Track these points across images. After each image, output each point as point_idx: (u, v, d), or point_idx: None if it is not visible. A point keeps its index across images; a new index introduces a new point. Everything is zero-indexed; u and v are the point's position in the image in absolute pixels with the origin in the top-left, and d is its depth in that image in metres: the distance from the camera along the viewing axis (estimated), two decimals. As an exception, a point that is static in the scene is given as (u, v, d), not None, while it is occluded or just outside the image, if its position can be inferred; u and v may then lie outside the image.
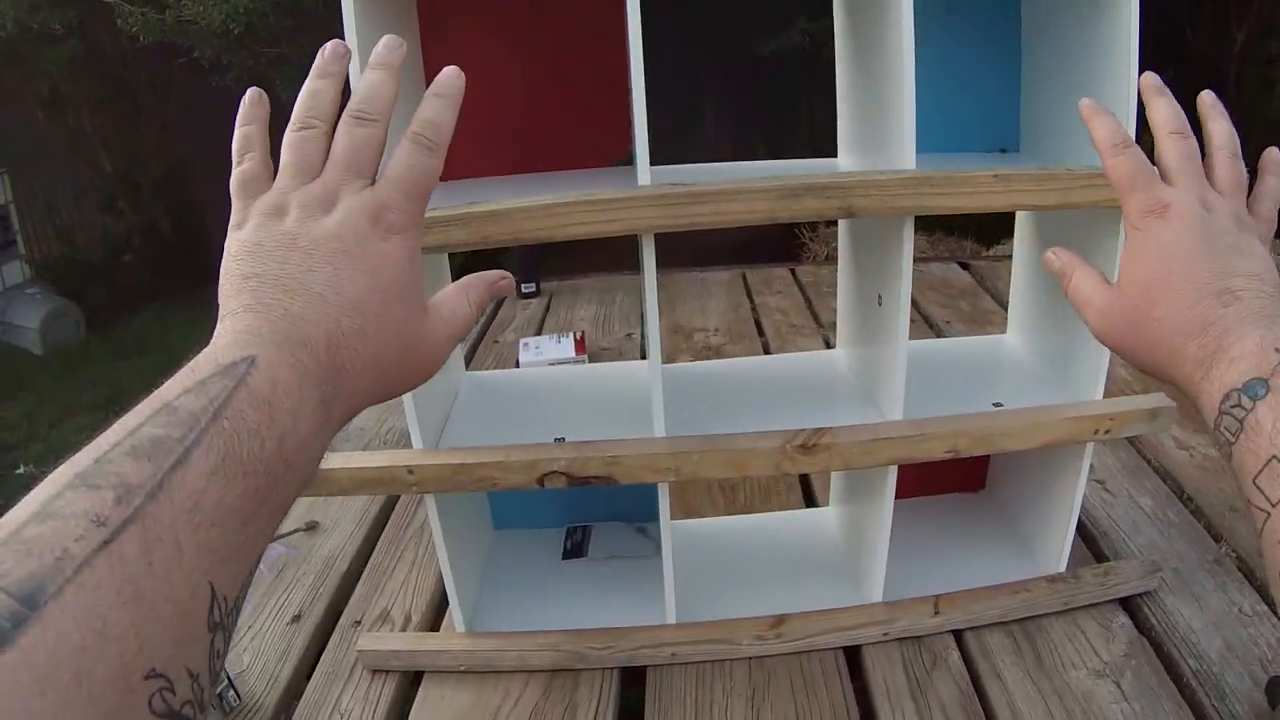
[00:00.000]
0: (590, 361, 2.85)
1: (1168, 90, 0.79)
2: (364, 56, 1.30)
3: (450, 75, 0.71)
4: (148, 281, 7.47)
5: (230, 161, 0.68)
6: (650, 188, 1.43)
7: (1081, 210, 1.57)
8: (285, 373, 0.54)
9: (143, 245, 7.73)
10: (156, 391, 0.52)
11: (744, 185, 1.42)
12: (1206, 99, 0.82)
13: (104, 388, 5.65)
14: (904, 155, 1.49)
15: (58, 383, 5.94)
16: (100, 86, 7.26)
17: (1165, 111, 0.79)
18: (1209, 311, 0.68)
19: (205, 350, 0.55)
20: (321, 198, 0.62)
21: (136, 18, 4.94)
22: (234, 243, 0.62)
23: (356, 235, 0.61)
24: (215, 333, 0.57)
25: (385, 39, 0.70)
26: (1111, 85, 1.58)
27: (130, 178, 7.52)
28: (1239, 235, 0.73)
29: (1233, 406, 0.62)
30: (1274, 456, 0.59)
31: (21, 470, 4.71)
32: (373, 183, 0.64)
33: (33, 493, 0.43)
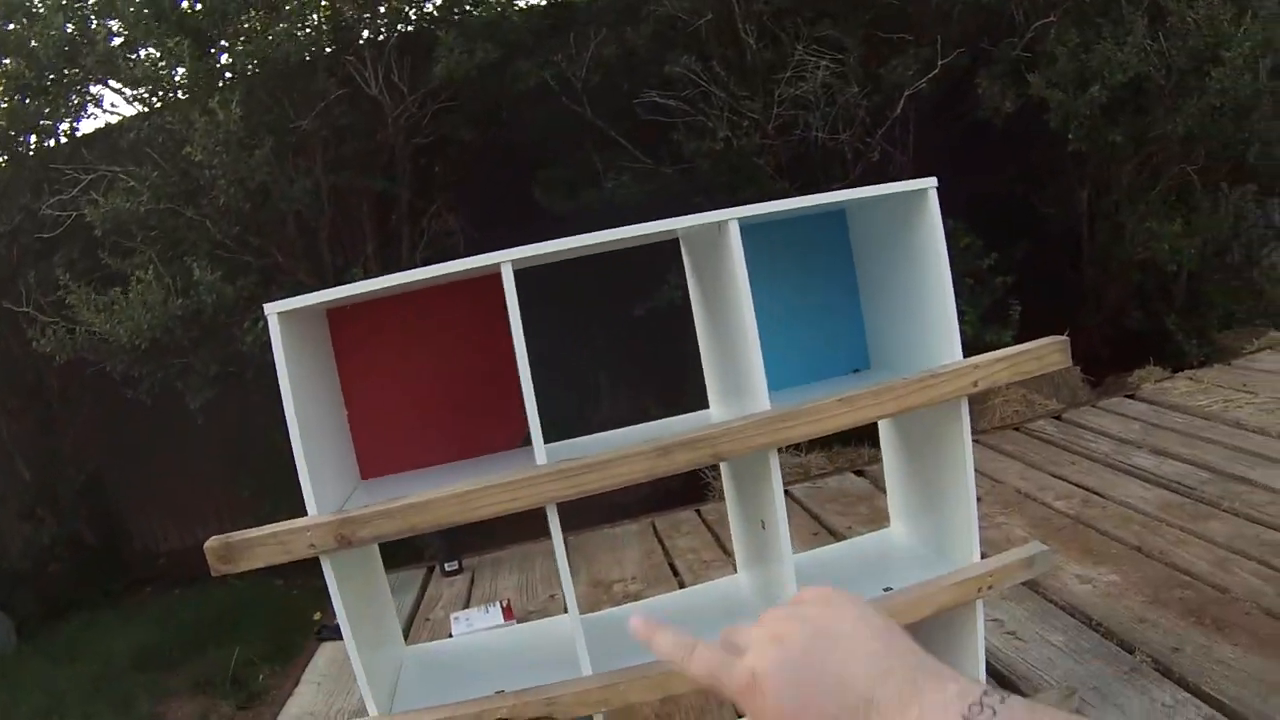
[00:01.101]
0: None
1: (657, 626, 0.77)
2: (290, 376, 1.53)
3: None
4: (75, 589, 7.42)
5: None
6: (546, 466, 1.66)
7: (925, 408, 1.82)
8: None
9: (67, 553, 7.70)
10: None
11: (623, 452, 1.65)
12: (638, 628, 0.78)
13: (40, 695, 5.56)
14: (758, 399, 1.74)
15: (-9, 692, 5.83)
16: (14, 395, 7.35)
17: (668, 640, 0.76)
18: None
19: None
20: None
21: (50, 337, 5.10)
22: None
23: None
24: None
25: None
26: (933, 295, 1.88)
27: (49, 487, 7.54)
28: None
29: None
30: None
31: (-39, 791, 4.61)
32: None
33: None
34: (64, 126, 6.42)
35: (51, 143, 6.50)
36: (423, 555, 4.52)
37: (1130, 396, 4.76)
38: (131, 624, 6.52)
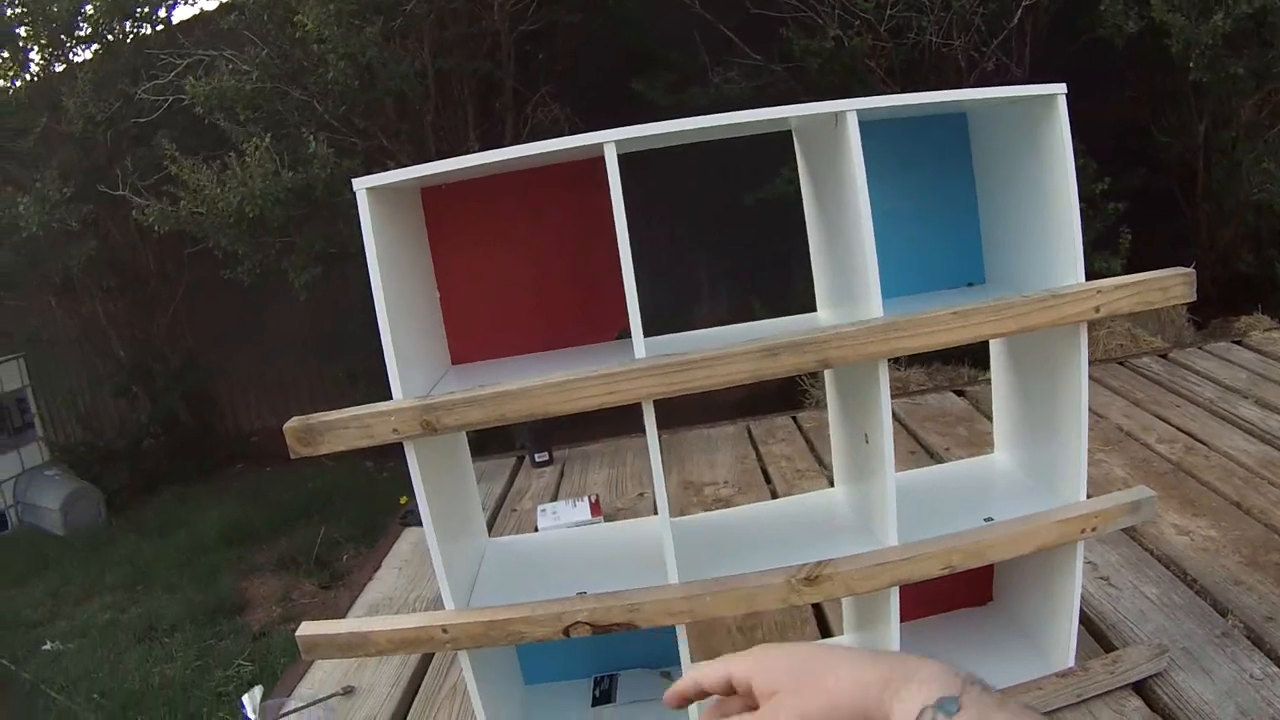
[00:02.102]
0: (606, 522, 2.95)
1: (695, 670, 0.84)
2: (379, 255, 1.48)
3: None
4: (166, 466, 7.60)
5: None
6: (646, 360, 1.59)
7: (1042, 330, 1.72)
8: None
9: (161, 431, 7.87)
10: None
11: (728, 351, 1.57)
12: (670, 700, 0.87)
13: (127, 567, 5.72)
14: (870, 305, 1.65)
15: (80, 563, 6.04)
16: (112, 276, 7.49)
17: (708, 672, 0.83)
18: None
19: None
20: None
21: (152, 210, 5.14)
22: None
23: None
24: None
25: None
26: (1056, 211, 1.76)
27: (145, 366, 7.70)
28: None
29: None
30: None
31: (48, 646, 4.78)
32: None
33: None
34: (160, 13, 6.45)
35: (147, 29, 6.53)
36: (513, 444, 4.50)
37: (1238, 343, 4.55)
38: (221, 501, 6.72)
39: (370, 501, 5.89)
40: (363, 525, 5.65)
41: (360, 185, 1.55)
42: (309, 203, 4.97)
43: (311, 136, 4.84)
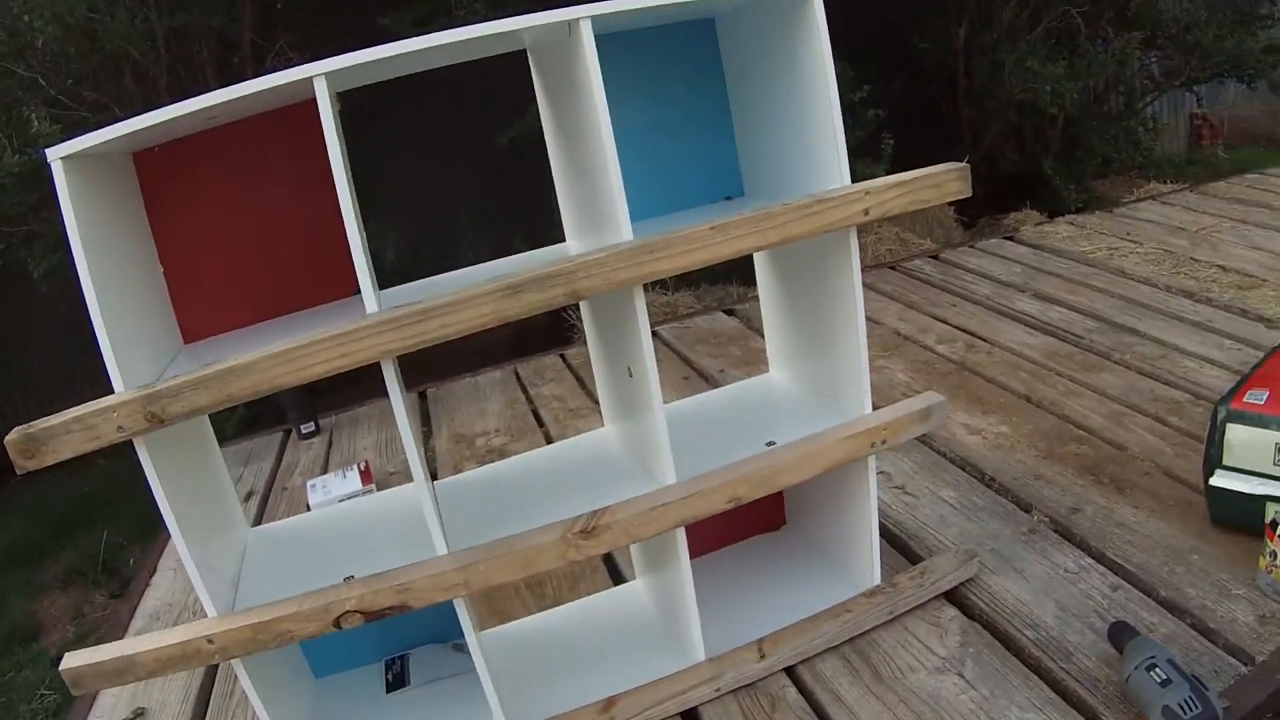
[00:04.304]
0: (379, 489, 2.78)
1: None
2: (81, 234, 1.29)
3: None
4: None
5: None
6: (377, 315, 1.43)
7: (809, 239, 1.63)
8: None
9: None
10: None
11: (466, 294, 1.43)
12: None
13: None
14: (620, 229, 1.53)
15: None
16: None
17: None
18: None
19: None
20: None
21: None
22: None
23: None
24: None
25: None
26: (816, 115, 1.68)
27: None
28: None
29: None
30: None
31: None
32: None
33: None
34: None
35: None
36: (285, 418, 4.26)
37: (1009, 239, 4.67)
38: (1, 518, 6.25)
39: (150, 498, 5.58)
40: (144, 523, 5.33)
41: (54, 155, 1.35)
42: (40, 186, 4.61)
43: (34, 116, 4.47)
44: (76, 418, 1.39)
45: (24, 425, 1.40)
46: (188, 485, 1.65)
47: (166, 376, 1.47)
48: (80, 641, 4.44)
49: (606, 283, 1.48)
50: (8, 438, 1.39)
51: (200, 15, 5.08)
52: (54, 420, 1.40)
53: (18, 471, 1.44)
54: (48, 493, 6.48)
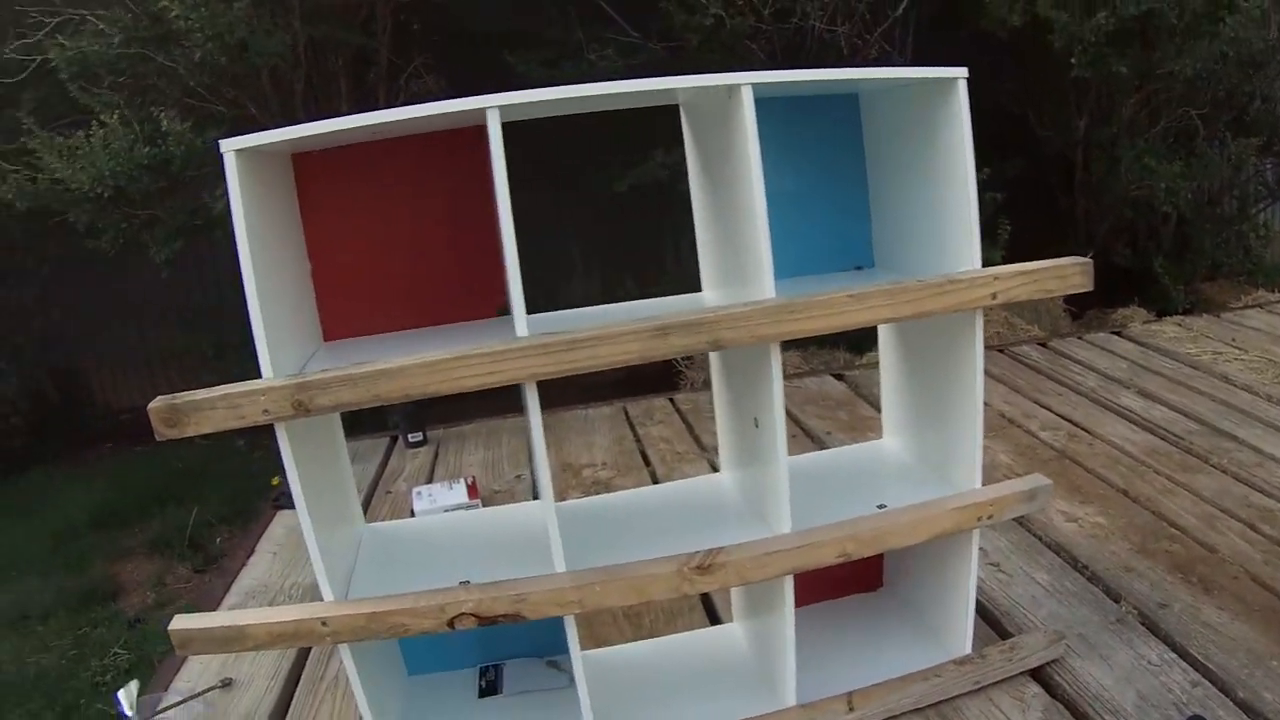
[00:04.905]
0: (483, 505, 2.87)
1: None
2: (246, 223, 1.39)
3: None
4: (34, 446, 7.29)
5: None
6: (530, 339, 1.51)
7: (937, 315, 1.69)
8: None
9: (28, 408, 7.55)
10: None
11: (616, 329, 1.51)
12: None
13: (-10, 550, 5.48)
14: (763, 285, 1.60)
15: (-52, 548, 5.72)
16: (-25, 248, 7.15)
17: None
18: None
19: None
20: None
21: (10, 184, 4.90)
22: None
23: None
24: None
25: None
26: (952, 197, 1.75)
27: (10, 340, 7.37)
28: None
29: None
30: None
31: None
32: None
33: None
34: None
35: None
36: (386, 424, 4.38)
37: (1117, 333, 4.66)
38: (90, 482, 6.44)
39: (243, 482, 5.71)
40: (235, 506, 5.49)
41: (228, 147, 1.44)
42: (168, 177, 4.78)
43: (163, 115, 4.65)
44: (223, 395, 1.47)
45: (169, 396, 1.48)
46: (317, 474, 1.71)
47: (309, 370, 1.56)
48: (160, 609, 4.58)
49: (748, 336, 1.55)
50: (151, 405, 1.47)
51: (340, 29, 5.25)
52: (200, 395, 1.48)
53: (157, 438, 1.51)
54: (135, 465, 6.68)
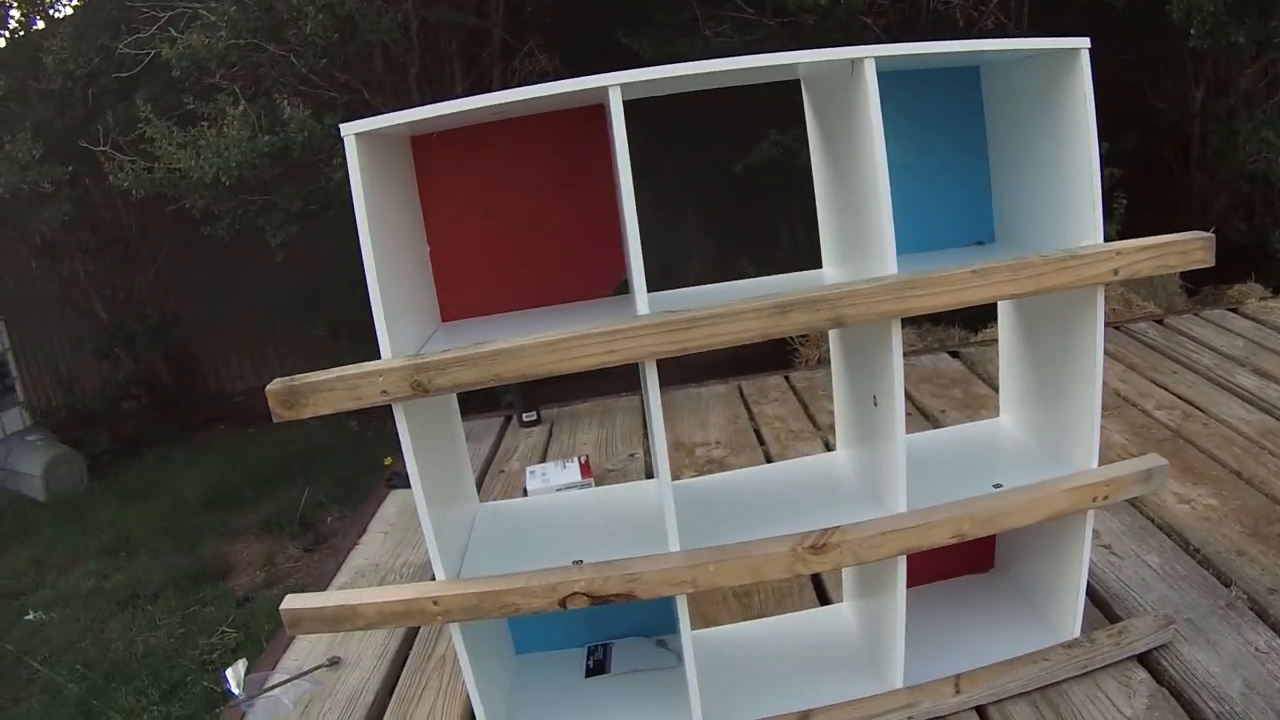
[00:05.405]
0: (596, 484, 2.89)
1: None
2: (367, 205, 1.40)
3: None
4: (148, 427, 7.51)
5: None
6: (649, 316, 1.52)
7: (1058, 291, 1.66)
8: None
9: (142, 392, 7.78)
10: None
11: (737, 307, 1.50)
12: None
13: (109, 533, 5.65)
14: (885, 262, 1.58)
15: (63, 529, 5.94)
16: (92, 236, 7.37)
17: None
18: None
19: None
20: None
21: (127, 172, 5.03)
22: None
23: None
24: None
25: None
26: (1074, 170, 1.71)
27: (126, 326, 7.59)
28: None
29: None
30: None
31: (30, 617, 4.72)
32: None
33: None
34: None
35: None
36: (499, 403, 4.42)
37: (1233, 310, 4.51)
38: (203, 463, 6.65)
39: (354, 462, 5.83)
40: (347, 486, 5.60)
41: (348, 131, 1.46)
42: (286, 164, 4.88)
43: (286, 102, 4.74)
44: (341, 376, 1.50)
45: (287, 378, 1.51)
46: (433, 454, 1.73)
47: (428, 351, 1.57)
48: (269, 588, 4.69)
49: (869, 313, 1.54)
50: (269, 387, 1.50)
51: (453, 10, 5.29)
52: (317, 376, 1.51)
53: (274, 419, 1.54)
54: (247, 446, 6.85)
